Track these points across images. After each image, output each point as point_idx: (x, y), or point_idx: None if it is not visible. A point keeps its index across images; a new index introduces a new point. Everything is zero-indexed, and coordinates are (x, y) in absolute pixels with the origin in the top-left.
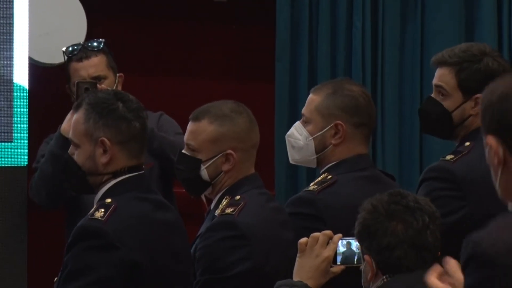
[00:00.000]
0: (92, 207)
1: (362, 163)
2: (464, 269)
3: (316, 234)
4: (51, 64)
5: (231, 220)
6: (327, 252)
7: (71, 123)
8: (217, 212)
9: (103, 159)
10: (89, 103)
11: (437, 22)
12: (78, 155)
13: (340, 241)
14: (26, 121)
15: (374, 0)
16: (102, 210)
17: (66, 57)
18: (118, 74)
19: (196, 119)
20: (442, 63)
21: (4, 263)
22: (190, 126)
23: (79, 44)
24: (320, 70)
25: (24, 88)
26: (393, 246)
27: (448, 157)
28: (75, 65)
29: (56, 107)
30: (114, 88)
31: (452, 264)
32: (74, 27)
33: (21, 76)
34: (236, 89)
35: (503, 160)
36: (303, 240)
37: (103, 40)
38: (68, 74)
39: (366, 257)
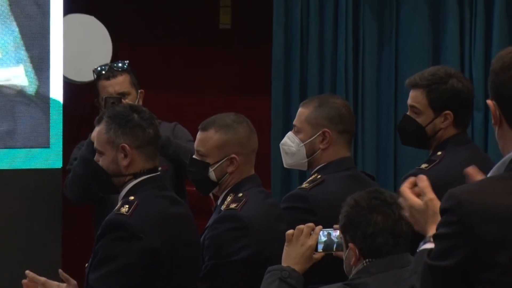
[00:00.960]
0: (117, 204)
1: (346, 164)
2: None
3: (301, 226)
4: (81, 82)
5: (235, 214)
6: (311, 241)
7: (95, 133)
8: (223, 207)
9: (124, 162)
10: (109, 116)
11: (408, 46)
12: (103, 161)
13: (321, 231)
14: (61, 130)
15: (356, 28)
16: (127, 206)
17: (95, 76)
18: (139, 90)
19: (204, 129)
20: (414, 86)
21: (42, 252)
22: (199, 135)
23: (107, 64)
24: (310, 87)
25: (59, 102)
26: (376, 235)
27: (423, 165)
28: (103, 83)
29: (85, 118)
30: (136, 102)
31: (425, 183)
32: (101, 49)
33: (56, 92)
34: (238, 103)
35: (499, 121)
36: (290, 231)
37: (127, 61)
38: (97, 90)
39: (351, 245)
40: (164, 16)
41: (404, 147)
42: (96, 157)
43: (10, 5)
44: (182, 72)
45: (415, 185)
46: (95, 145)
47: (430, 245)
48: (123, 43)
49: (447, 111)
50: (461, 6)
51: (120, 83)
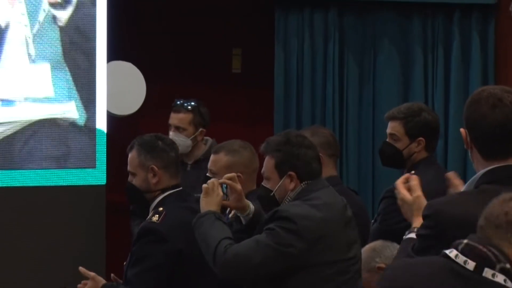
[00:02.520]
0: (148, 214)
1: (334, 181)
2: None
3: (213, 180)
4: (121, 115)
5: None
6: (220, 192)
7: (128, 159)
8: (230, 215)
9: (154, 180)
10: (139, 144)
11: (384, 86)
12: (135, 181)
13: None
14: (105, 153)
15: (341, 70)
16: (157, 215)
17: (173, 104)
18: (200, 129)
19: (216, 152)
20: (393, 118)
21: (89, 254)
22: (211, 157)
23: (183, 100)
24: (304, 119)
25: (103, 131)
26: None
27: None
28: (171, 114)
29: (124, 144)
30: (192, 138)
31: (415, 181)
32: (137, 89)
33: (101, 123)
34: (245, 132)
35: (470, 146)
36: (205, 185)
37: (195, 103)
38: None
39: (291, 173)
40: (187, 62)
41: (380, 167)
42: (130, 178)
43: (63, 54)
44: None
45: (407, 180)
46: (128, 168)
47: (413, 235)
48: (155, 83)
49: (420, 138)
50: (425, 54)
51: (179, 119)
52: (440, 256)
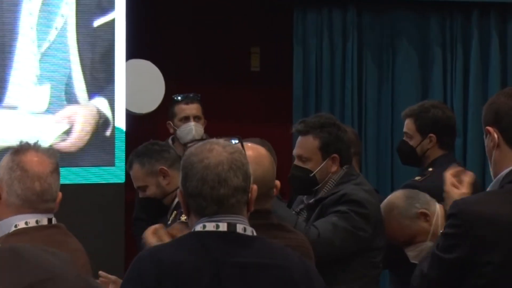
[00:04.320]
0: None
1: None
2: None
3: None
4: (140, 113)
5: None
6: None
7: (132, 177)
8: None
9: (165, 182)
10: (137, 156)
11: (402, 85)
12: (148, 192)
13: None
14: (124, 151)
15: (359, 69)
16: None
17: (176, 99)
18: (204, 120)
19: None
20: (406, 116)
21: (108, 252)
22: None
23: (184, 94)
24: None
25: (122, 130)
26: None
27: (417, 178)
28: (182, 106)
29: (143, 142)
30: (204, 126)
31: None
32: (156, 87)
33: (120, 121)
34: (263, 130)
35: (498, 142)
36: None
37: (199, 95)
38: (173, 113)
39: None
40: (206, 60)
41: (399, 165)
42: (141, 194)
43: (81, 52)
44: (220, 105)
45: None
46: (136, 184)
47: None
48: (173, 82)
49: (431, 134)
50: (444, 53)
51: (195, 108)
52: None
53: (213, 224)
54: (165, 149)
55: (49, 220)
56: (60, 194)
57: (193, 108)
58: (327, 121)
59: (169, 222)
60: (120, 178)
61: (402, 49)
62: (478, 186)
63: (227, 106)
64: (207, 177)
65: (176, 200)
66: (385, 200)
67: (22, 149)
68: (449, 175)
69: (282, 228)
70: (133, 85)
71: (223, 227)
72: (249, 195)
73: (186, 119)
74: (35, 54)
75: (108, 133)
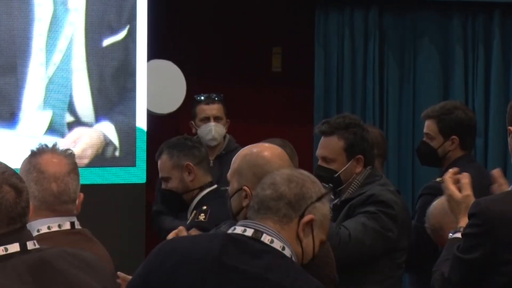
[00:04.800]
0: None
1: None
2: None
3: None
4: (161, 114)
5: None
6: None
7: (159, 166)
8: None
9: (190, 178)
10: (168, 147)
11: (424, 85)
12: (171, 184)
13: None
14: (145, 152)
15: (381, 71)
16: (203, 214)
17: (198, 99)
18: (227, 120)
19: None
20: (428, 117)
21: (129, 252)
22: None
23: (206, 94)
24: None
25: (143, 130)
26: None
27: (438, 179)
28: (202, 106)
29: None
30: (226, 126)
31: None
32: (177, 87)
33: (141, 122)
34: (285, 131)
35: None
36: None
37: (222, 95)
38: (195, 113)
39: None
40: (228, 61)
41: (420, 166)
42: (163, 185)
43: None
44: (242, 105)
45: (456, 177)
46: (161, 175)
47: (458, 235)
48: (195, 82)
49: (454, 136)
50: (466, 53)
51: (216, 109)
52: None
53: (242, 228)
54: (196, 146)
55: (72, 224)
56: (81, 196)
57: (213, 109)
58: (352, 122)
59: (188, 221)
60: (141, 179)
61: (423, 49)
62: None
63: (249, 107)
64: (265, 181)
65: (197, 199)
66: (438, 203)
67: (39, 151)
68: (448, 179)
69: None
70: (155, 86)
71: (249, 232)
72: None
73: (207, 119)
74: (50, 64)
75: (129, 133)
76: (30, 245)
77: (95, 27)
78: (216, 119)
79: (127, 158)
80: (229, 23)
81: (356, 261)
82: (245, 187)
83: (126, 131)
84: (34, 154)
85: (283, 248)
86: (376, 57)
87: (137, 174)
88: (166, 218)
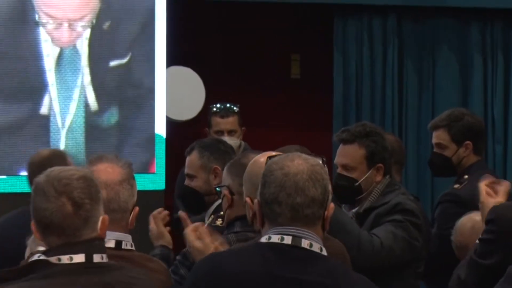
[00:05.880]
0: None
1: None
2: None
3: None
4: (180, 120)
5: None
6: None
7: (187, 162)
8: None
9: (215, 182)
10: (201, 146)
11: (442, 92)
12: (195, 183)
13: None
14: (164, 158)
15: (400, 76)
16: (220, 219)
17: (213, 110)
18: (242, 128)
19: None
20: (436, 127)
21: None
22: None
23: (223, 104)
24: None
25: (162, 137)
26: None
27: (455, 186)
28: (217, 119)
29: (183, 149)
30: (239, 137)
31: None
32: (196, 94)
33: (160, 128)
34: (304, 137)
35: None
36: None
37: (238, 105)
38: (210, 122)
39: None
40: (247, 68)
41: None
42: (187, 182)
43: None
44: (260, 112)
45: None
46: (187, 171)
47: None
48: (214, 89)
49: (467, 142)
50: (485, 60)
51: (230, 123)
52: None
53: (278, 236)
54: (228, 152)
55: (118, 243)
56: (136, 209)
57: (227, 123)
58: (372, 130)
59: (205, 225)
60: (160, 185)
61: (442, 56)
62: None
63: (267, 113)
64: (285, 184)
65: (216, 203)
66: (468, 220)
67: (96, 160)
68: (483, 185)
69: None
70: (174, 92)
71: (287, 240)
72: (326, 212)
73: (221, 133)
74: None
75: (148, 140)
76: (96, 258)
77: (114, 35)
78: (230, 132)
79: (146, 165)
80: (249, 30)
81: (386, 269)
82: (247, 199)
83: (145, 138)
84: (91, 163)
85: (321, 249)
86: (395, 64)
87: (156, 181)
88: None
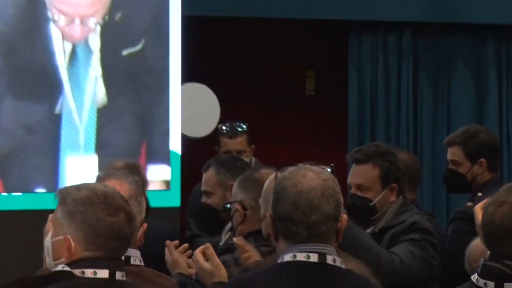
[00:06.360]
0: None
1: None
2: None
3: None
4: (195, 137)
5: None
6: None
7: (204, 179)
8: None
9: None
10: (217, 163)
11: (458, 109)
12: (212, 199)
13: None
14: (179, 175)
15: (415, 93)
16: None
17: (221, 131)
18: (252, 146)
19: None
20: (451, 144)
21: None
22: None
23: (231, 123)
24: (379, 141)
25: (178, 154)
26: None
27: (468, 204)
28: (225, 140)
29: (198, 166)
30: (248, 156)
31: None
32: (211, 111)
33: (175, 145)
34: (318, 154)
35: None
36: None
37: (246, 124)
38: (219, 142)
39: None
40: (262, 84)
41: None
42: (204, 199)
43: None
44: (275, 129)
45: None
46: (203, 188)
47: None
48: (229, 106)
49: (482, 159)
50: (500, 77)
51: (239, 143)
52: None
53: (304, 254)
54: (244, 168)
55: (127, 258)
56: (144, 225)
57: (235, 144)
58: (386, 150)
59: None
60: (176, 202)
61: (457, 73)
62: None
63: (281, 130)
64: (299, 202)
65: None
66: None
67: (104, 176)
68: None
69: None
70: (189, 109)
71: (313, 257)
72: (339, 224)
73: (229, 153)
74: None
75: (163, 157)
76: (118, 275)
77: (129, 47)
78: (239, 152)
79: (161, 182)
80: (263, 46)
81: (402, 285)
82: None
83: (160, 155)
84: (99, 179)
85: (341, 263)
86: (410, 80)
87: (171, 198)
88: (202, 239)
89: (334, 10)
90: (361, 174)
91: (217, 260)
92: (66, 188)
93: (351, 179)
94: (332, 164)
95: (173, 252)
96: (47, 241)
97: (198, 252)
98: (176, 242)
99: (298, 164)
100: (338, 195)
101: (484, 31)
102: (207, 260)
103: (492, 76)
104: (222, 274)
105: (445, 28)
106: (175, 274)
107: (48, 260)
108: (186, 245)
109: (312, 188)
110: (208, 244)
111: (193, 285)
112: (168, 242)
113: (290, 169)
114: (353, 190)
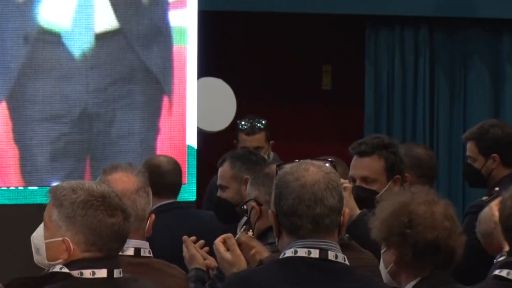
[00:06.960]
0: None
1: None
2: None
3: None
4: (211, 131)
5: None
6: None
7: (219, 173)
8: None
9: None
10: (232, 157)
11: (474, 103)
12: (226, 193)
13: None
14: (195, 169)
15: (431, 87)
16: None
17: (240, 127)
18: (271, 142)
19: None
20: (467, 139)
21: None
22: None
23: (250, 120)
24: (395, 136)
25: (194, 148)
26: None
27: (484, 198)
28: (243, 136)
29: (214, 160)
30: (267, 152)
31: None
32: (228, 105)
33: (191, 139)
34: (335, 149)
35: None
36: None
37: (265, 120)
38: (237, 138)
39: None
40: (279, 79)
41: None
42: (219, 193)
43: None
44: (291, 123)
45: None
46: (219, 182)
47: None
48: (245, 100)
49: (494, 154)
50: None
51: (257, 140)
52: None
53: (305, 250)
54: (259, 163)
55: (137, 251)
56: (152, 217)
57: (254, 140)
58: (390, 142)
59: (237, 236)
60: (191, 196)
61: (474, 67)
62: None
63: (298, 125)
64: (303, 196)
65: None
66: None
67: (111, 170)
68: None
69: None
70: (205, 103)
71: (314, 253)
72: (342, 218)
73: (247, 149)
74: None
75: (179, 151)
76: (116, 273)
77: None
78: (257, 149)
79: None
80: (279, 41)
81: None
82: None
83: (177, 149)
84: (105, 172)
85: (344, 259)
86: (427, 75)
87: (187, 192)
88: None
89: (351, 4)
90: (366, 166)
91: (238, 250)
92: (58, 188)
93: (355, 171)
94: (331, 159)
95: (191, 248)
96: (39, 240)
97: (218, 241)
98: (194, 237)
99: (296, 160)
100: (340, 188)
101: (500, 25)
102: (227, 250)
103: (509, 70)
104: (242, 265)
105: (461, 22)
106: (193, 269)
107: (39, 258)
108: (202, 241)
109: (316, 181)
110: (229, 234)
111: (213, 280)
112: (185, 237)
113: (291, 164)
114: (358, 183)
